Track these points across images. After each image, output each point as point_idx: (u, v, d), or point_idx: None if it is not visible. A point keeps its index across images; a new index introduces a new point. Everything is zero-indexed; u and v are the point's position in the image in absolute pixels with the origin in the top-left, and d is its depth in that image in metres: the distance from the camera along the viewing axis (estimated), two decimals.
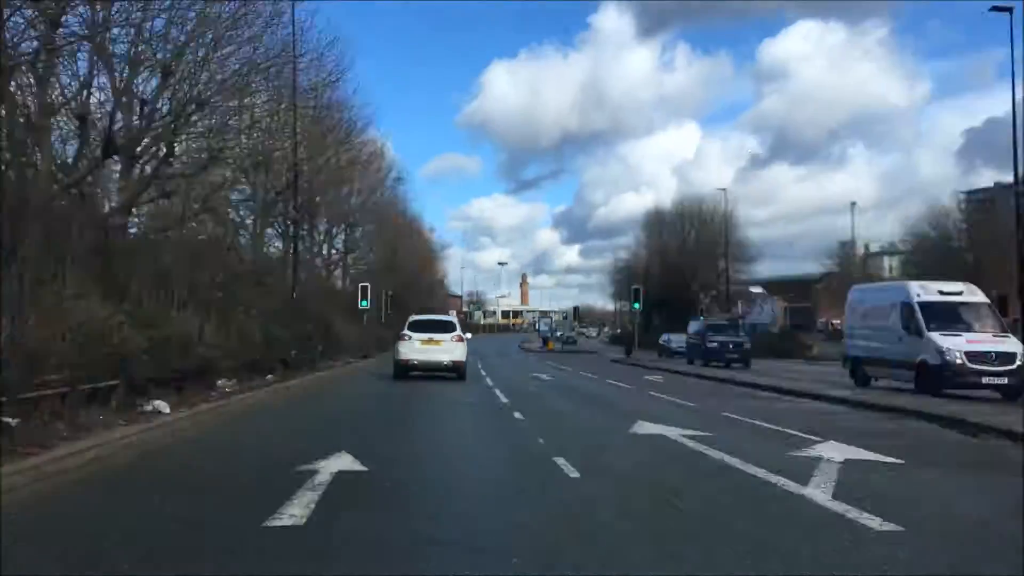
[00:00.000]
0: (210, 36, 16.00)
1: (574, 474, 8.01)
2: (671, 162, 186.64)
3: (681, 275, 65.06)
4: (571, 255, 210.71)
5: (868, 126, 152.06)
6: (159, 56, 15.64)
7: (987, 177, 68.63)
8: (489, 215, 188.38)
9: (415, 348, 22.21)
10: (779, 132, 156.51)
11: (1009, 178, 35.49)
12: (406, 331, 22.76)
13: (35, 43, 12.96)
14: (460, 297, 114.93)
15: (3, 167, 11.63)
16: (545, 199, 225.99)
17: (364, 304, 36.32)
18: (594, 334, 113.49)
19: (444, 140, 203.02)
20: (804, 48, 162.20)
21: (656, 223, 72.18)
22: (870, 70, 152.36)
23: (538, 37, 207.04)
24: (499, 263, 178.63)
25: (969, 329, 18.83)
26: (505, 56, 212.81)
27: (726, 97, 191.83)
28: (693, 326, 41.38)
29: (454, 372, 22.26)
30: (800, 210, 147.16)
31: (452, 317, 29.27)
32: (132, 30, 14.98)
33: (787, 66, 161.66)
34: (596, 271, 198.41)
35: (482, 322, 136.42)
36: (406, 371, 22.36)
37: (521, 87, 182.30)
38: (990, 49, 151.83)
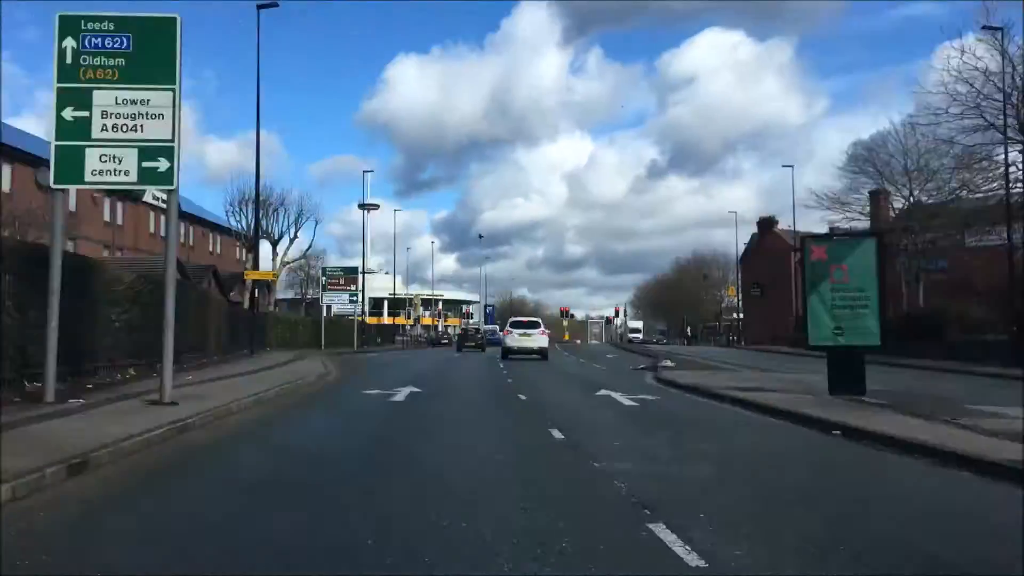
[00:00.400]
0: None
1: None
2: (568, 170, 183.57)
3: None
4: (448, 263, 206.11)
5: (763, 140, 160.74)
6: None
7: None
8: (370, 220, 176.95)
9: (516, 339, 34.93)
10: (679, 143, 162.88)
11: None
12: (508, 328, 36.49)
13: None
14: None
15: None
16: (434, 205, 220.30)
17: None
18: None
19: (342, 140, 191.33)
20: (711, 60, 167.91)
21: None
22: (773, 86, 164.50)
23: (448, 37, 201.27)
24: (367, 271, 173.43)
25: None
26: (412, 52, 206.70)
27: (633, 105, 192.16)
28: None
29: (541, 355, 33.87)
30: (682, 222, 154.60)
31: (538, 319, 40.01)
32: None
33: (693, 77, 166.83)
34: (469, 280, 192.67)
35: None
36: (509, 354, 34.38)
37: (425, 87, 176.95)
38: (889, 67, 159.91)
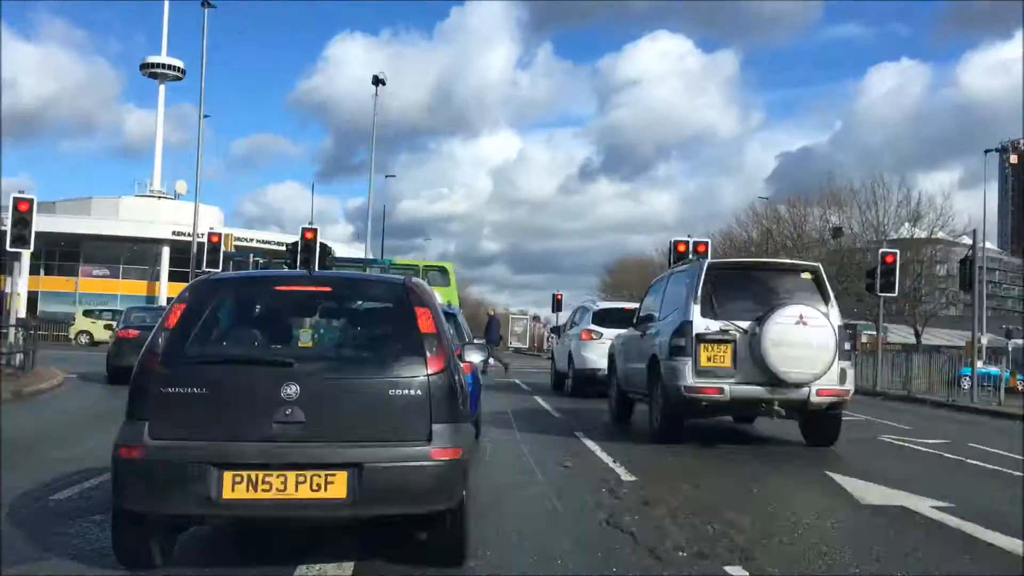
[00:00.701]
0: None
1: None
2: (497, 165, 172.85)
3: None
4: (358, 253, 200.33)
5: (696, 149, 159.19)
6: None
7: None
8: (281, 204, 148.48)
9: None
10: (615, 146, 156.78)
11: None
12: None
13: None
14: None
15: None
16: (356, 191, 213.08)
17: None
18: None
19: (273, 119, 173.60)
20: (657, 66, 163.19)
21: None
22: (714, 96, 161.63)
23: (395, 21, 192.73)
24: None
25: None
26: (358, 31, 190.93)
27: (575, 105, 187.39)
28: None
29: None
30: (603, 225, 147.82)
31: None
32: None
33: (637, 81, 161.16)
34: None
35: None
36: None
37: (366, 70, 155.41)
38: (826, 84, 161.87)
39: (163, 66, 59.51)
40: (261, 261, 40.11)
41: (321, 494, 4.18)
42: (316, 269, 19.53)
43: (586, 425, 11.58)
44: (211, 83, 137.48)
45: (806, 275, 10.16)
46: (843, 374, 9.66)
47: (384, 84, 30.77)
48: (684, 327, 9.65)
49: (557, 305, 46.73)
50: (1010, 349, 30.94)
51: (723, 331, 9.56)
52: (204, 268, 26.49)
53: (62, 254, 53.72)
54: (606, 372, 13.75)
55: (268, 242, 53.21)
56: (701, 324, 9.58)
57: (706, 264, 10.36)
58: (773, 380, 9.35)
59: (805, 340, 9.29)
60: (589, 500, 6.66)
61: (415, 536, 4.70)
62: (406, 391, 4.39)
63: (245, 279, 6.96)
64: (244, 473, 4.15)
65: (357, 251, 48.97)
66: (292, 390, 4.26)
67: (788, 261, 12.87)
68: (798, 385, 9.37)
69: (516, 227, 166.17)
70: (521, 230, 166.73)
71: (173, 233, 49.84)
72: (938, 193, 46.00)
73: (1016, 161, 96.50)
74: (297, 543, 4.93)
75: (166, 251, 53.05)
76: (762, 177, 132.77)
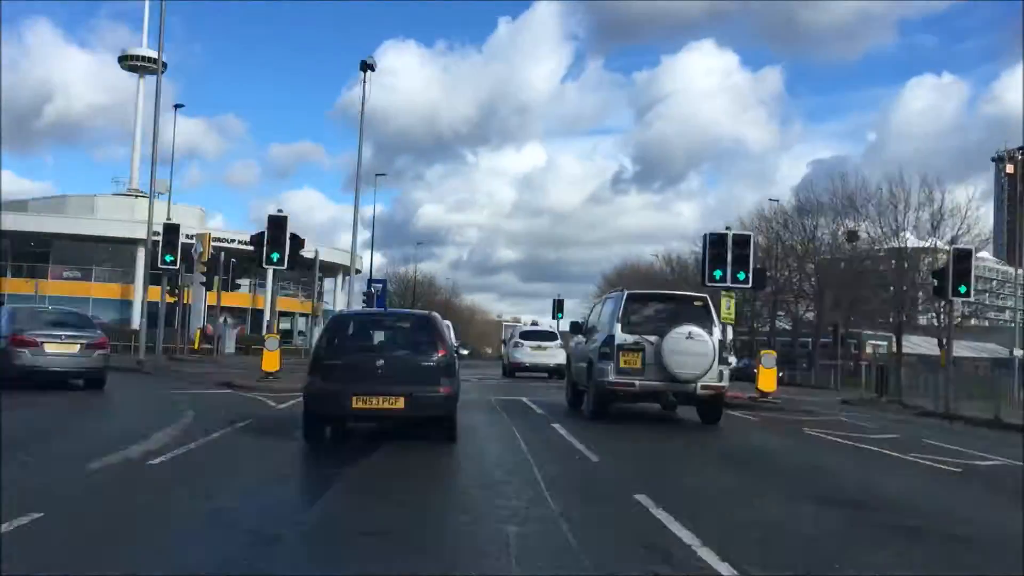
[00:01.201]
0: None
1: None
2: (526, 174, 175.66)
3: None
4: (377, 260, 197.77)
5: (729, 160, 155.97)
6: None
7: None
8: (299, 211, 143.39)
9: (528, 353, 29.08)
10: (647, 158, 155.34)
11: None
12: (519, 339, 30.09)
13: None
14: None
15: None
16: (377, 199, 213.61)
17: None
18: None
19: (314, 128, 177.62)
20: (699, 78, 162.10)
21: None
22: (759, 113, 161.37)
23: (448, 33, 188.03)
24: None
25: None
26: (404, 39, 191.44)
27: (617, 116, 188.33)
28: None
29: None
30: (619, 236, 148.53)
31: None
32: None
33: (674, 92, 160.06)
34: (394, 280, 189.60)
35: None
36: (517, 370, 28.90)
37: (411, 80, 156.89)
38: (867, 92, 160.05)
39: (142, 59, 57.29)
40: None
41: (393, 406, 9.58)
42: (387, 307, 28.72)
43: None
44: (252, 85, 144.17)
45: (698, 303, 14.19)
46: (721, 374, 13.68)
47: (373, 70, 27.30)
48: (609, 339, 13.70)
49: (559, 307, 46.18)
50: None
51: (636, 343, 13.60)
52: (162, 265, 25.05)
53: (33, 255, 51.01)
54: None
55: (246, 243, 48.39)
56: (621, 337, 13.62)
57: (626, 294, 14.43)
58: (669, 378, 13.36)
59: (692, 350, 13.29)
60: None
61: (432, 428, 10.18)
62: (429, 363, 9.91)
63: (354, 313, 15.51)
64: (361, 396, 9.52)
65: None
66: (380, 361, 9.84)
67: (686, 293, 16.18)
68: (687, 381, 13.36)
69: (535, 236, 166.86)
70: (539, 239, 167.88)
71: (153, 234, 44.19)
72: (963, 201, 41.06)
73: (1012, 171, 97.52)
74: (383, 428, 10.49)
75: (142, 252, 47.07)
76: (791, 186, 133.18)
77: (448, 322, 17.40)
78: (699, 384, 13.43)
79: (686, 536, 5.67)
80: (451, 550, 5.44)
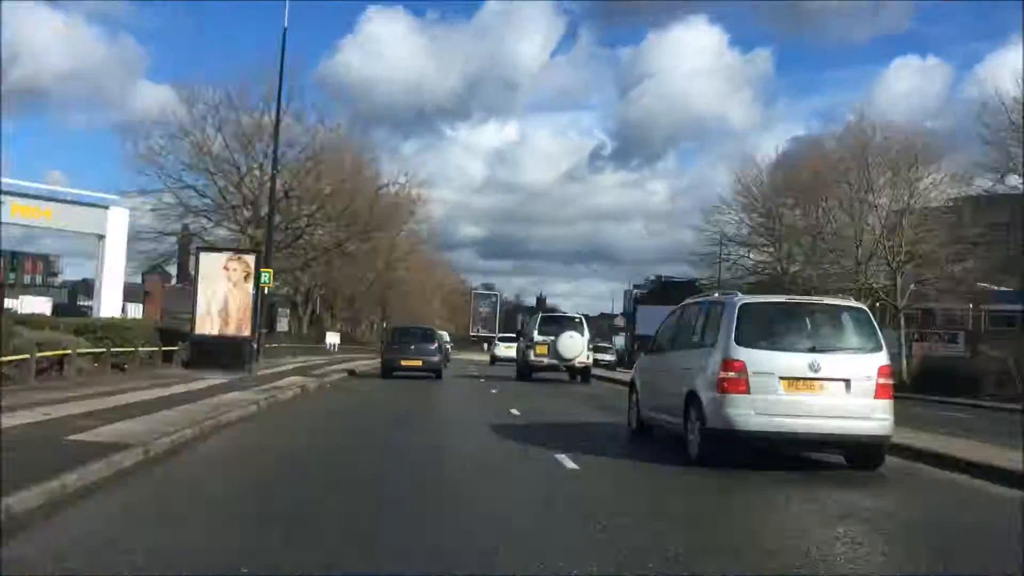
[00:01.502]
0: None
1: None
2: (498, 149, 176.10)
3: None
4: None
5: (710, 139, 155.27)
6: None
7: None
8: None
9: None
10: (629, 134, 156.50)
11: None
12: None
13: None
14: None
15: None
16: None
17: None
18: None
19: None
20: (684, 56, 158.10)
21: None
22: (746, 94, 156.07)
23: (430, 2, 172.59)
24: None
25: None
26: (383, 8, 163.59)
27: (604, 91, 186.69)
28: None
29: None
30: (588, 214, 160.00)
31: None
32: None
33: (660, 71, 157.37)
34: None
35: None
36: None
37: (390, 49, 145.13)
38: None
39: None
40: None
41: (417, 364, 26.26)
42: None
43: None
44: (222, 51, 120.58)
45: (577, 319, 27.71)
46: (589, 356, 27.42)
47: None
48: (533, 338, 27.19)
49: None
50: None
51: (544, 340, 27.00)
52: None
53: None
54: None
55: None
56: (539, 338, 27.04)
57: (540, 316, 28.13)
58: (561, 358, 26.91)
59: (573, 345, 26.68)
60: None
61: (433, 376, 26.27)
62: (431, 347, 27.04)
63: (403, 326, 33.79)
64: (402, 361, 26.39)
65: None
66: (412, 346, 26.93)
67: (572, 314, 31.04)
68: (569, 360, 26.83)
69: (503, 213, 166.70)
70: (507, 216, 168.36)
71: None
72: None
73: None
74: (412, 374, 26.07)
75: None
76: (764, 164, 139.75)
77: (444, 332, 31.28)
78: (576, 361, 26.90)
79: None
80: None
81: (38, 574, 4.40)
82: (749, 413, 8.63)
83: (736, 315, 8.96)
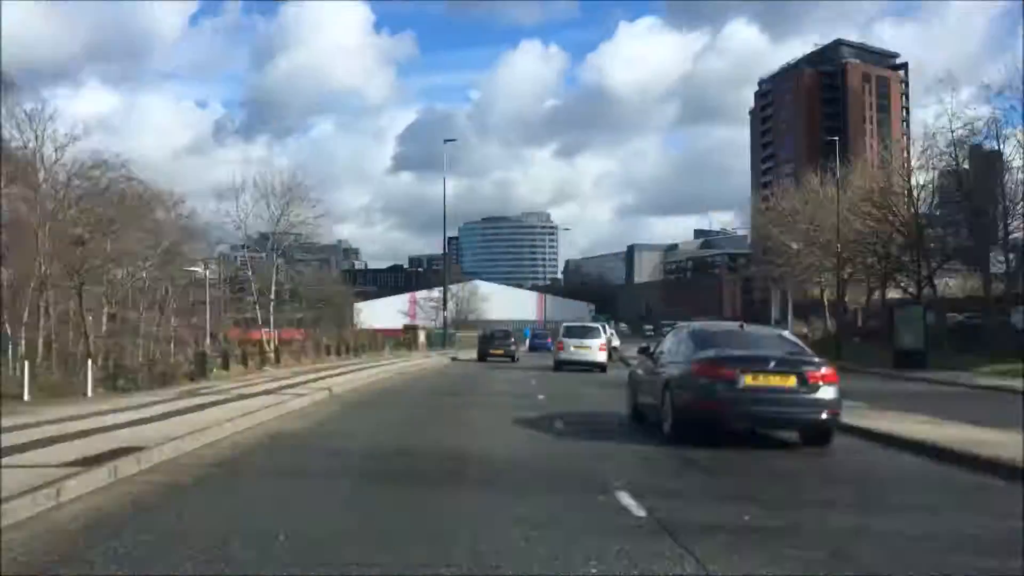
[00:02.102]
0: None
1: None
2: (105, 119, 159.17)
3: None
4: None
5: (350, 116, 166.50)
6: None
7: None
8: None
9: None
10: (262, 107, 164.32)
11: None
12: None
13: None
14: None
15: None
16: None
17: None
18: None
19: None
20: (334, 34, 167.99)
21: None
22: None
23: None
24: None
25: None
26: None
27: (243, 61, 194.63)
28: None
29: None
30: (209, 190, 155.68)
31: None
32: None
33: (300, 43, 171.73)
34: None
35: None
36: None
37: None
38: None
39: None
40: None
41: (501, 353, 43.98)
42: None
43: None
44: None
45: (596, 327, 36.14)
46: (609, 355, 36.07)
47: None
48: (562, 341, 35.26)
49: None
50: None
51: (567, 343, 34.95)
52: None
53: None
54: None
55: None
56: (564, 340, 34.91)
57: (565, 325, 37.06)
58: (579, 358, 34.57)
59: (581, 352, 34.36)
60: None
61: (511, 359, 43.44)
62: (510, 339, 45.95)
63: (490, 329, 52.91)
64: (492, 350, 44.41)
65: None
66: (497, 340, 45.39)
67: (591, 324, 40.31)
68: (583, 360, 34.10)
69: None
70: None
71: None
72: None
73: None
74: (497, 362, 42.04)
75: None
76: (395, 135, 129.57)
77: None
78: (592, 359, 34.24)
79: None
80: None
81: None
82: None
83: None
